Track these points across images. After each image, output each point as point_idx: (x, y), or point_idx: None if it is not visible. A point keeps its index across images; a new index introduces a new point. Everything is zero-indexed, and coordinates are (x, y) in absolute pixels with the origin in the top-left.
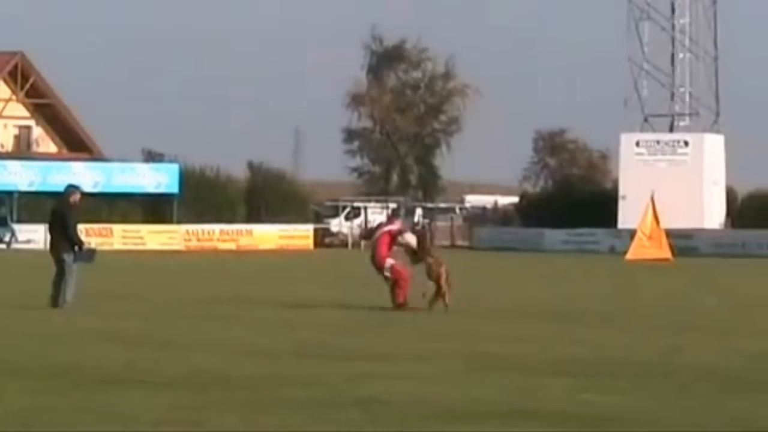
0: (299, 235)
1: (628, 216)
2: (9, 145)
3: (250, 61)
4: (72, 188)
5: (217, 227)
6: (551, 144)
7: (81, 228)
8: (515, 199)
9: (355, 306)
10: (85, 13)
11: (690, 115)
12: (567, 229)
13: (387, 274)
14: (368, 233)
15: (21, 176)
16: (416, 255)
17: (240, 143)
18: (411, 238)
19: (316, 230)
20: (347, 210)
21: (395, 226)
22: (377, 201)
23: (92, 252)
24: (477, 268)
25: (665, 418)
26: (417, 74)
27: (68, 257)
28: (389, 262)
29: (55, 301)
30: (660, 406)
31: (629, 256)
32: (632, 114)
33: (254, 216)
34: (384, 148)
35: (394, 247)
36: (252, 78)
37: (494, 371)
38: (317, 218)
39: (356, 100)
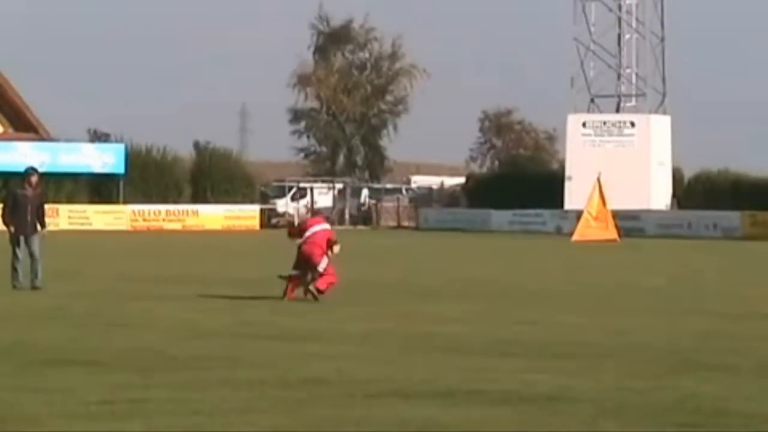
0: (245, 215)
1: (574, 197)
2: None
3: (197, 40)
4: (31, 170)
5: (163, 207)
6: (498, 124)
7: None
8: (462, 180)
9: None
10: None
11: (636, 96)
12: (514, 209)
13: (320, 269)
14: (299, 231)
15: None
16: None
17: (186, 123)
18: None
19: (262, 211)
20: (293, 190)
21: (328, 228)
22: (324, 181)
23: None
24: (422, 249)
25: (612, 397)
26: (364, 55)
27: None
28: (325, 260)
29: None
30: (606, 385)
31: (576, 236)
32: (579, 95)
33: (200, 196)
34: (330, 128)
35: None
36: (198, 57)
37: (438, 352)
38: (263, 199)
39: (303, 81)
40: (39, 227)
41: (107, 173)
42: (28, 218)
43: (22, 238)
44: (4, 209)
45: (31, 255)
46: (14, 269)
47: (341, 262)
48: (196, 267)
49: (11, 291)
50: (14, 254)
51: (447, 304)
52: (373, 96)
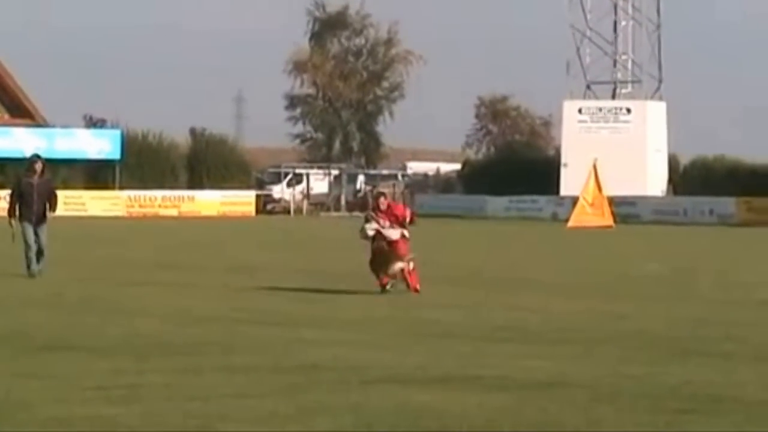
0: (241, 201)
1: (570, 183)
2: None
3: (192, 26)
4: (35, 157)
5: (159, 193)
6: (494, 110)
7: None
8: (457, 166)
9: (295, 272)
10: None
11: (632, 82)
12: (509, 196)
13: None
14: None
15: None
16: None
17: (182, 109)
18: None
19: (258, 197)
20: (289, 176)
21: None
22: (320, 168)
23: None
24: (417, 235)
25: (607, 383)
26: (359, 41)
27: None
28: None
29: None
30: (602, 371)
31: (571, 223)
32: (575, 81)
33: (196, 182)
34: (326, 114)
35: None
36: (194, 43)
37: (434, 337)
38: (259, 185)
39: (298, 67)
40: (48, 213)
41: (103, 159)
42: (35, 207)
43: (30, 227)
44: (11, 197)
45: (38, 245)
46: (28, 258)
47: (338, 248)
48: (192, 253)
49: (5, 278)
50: (25, 243)
51: (443, 290)
52: (369, 82)
